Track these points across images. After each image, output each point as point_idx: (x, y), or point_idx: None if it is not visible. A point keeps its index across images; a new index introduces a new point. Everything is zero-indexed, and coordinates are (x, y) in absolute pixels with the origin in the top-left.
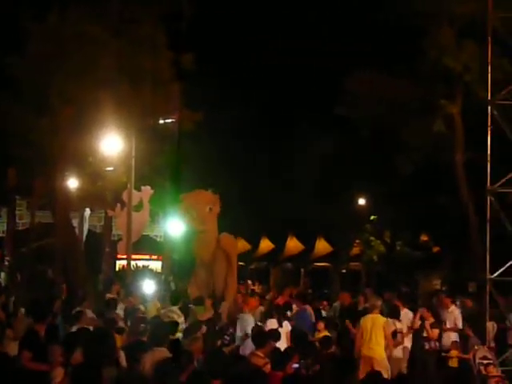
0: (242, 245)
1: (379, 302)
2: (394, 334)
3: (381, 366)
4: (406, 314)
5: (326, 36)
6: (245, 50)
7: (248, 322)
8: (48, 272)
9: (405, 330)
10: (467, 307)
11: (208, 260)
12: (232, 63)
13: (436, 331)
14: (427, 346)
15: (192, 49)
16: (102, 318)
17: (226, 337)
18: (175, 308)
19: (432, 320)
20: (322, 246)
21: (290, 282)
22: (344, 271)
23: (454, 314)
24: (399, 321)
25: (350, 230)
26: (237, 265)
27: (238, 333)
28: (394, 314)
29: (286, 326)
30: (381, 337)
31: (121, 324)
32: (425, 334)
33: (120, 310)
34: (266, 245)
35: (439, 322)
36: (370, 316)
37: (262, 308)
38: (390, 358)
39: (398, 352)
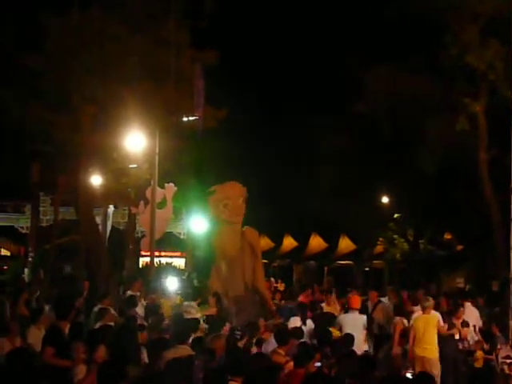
0: (266, 242)
1: (431, 302)
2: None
3: (432, 365)
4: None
5: (347, 32)
6: (266, 47)
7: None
8: (71, 269)
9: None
10: (480, 306)
11: (232, 253)
12: (254, 60)
13: (467, 330)
14: (460, 346)
15: (215, 46)
16: (124, 316)
17: (236, 332)
18: (194, 303)
19: (462, 319)
20: (345, 244)
21: (313, 280)
22: (367, 269)
23: (475, 314)
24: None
25: (373, 228)
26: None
27: None
28: (400, 312)
29: (310, 325)
30: (434, 336)
31: (140, 321)
32: (455, 335)
33: (141, 308)
34: (289, 242)
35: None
36: (422, 315)
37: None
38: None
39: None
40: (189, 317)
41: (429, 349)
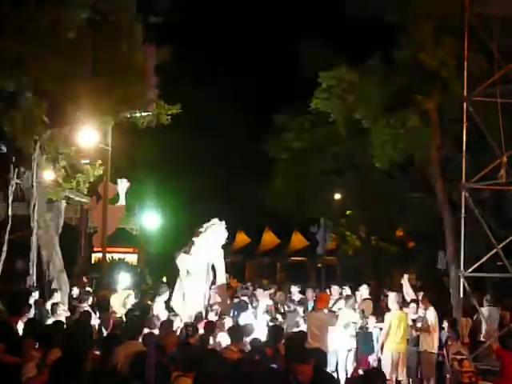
0: None
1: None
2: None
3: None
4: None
5: (304, 28)
6: (222, 43)
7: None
8: (23, 264)
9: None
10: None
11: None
12: (209, 56)
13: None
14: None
15: (169, 41)
16: (74, 311)
17: (188, 328)
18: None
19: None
20: (297, 239)
21: (265, 276)
22: (320, 265)
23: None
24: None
25: (325, 225)
26: None
27: None
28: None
29: (262, 319)
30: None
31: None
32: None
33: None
34: (242, 239)
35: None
36: (397, 312)
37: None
38: None
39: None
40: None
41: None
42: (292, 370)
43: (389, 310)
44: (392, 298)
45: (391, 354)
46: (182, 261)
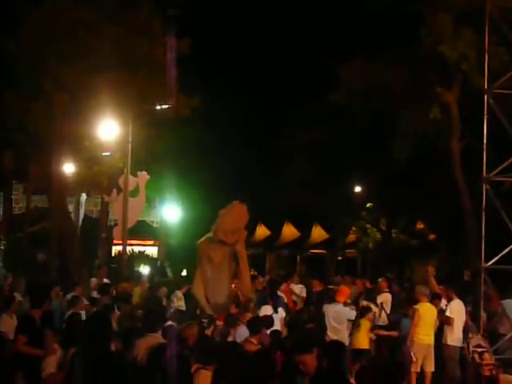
0: None
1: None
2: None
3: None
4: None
5: (322, 23)
6: (240, 36)
7: None
8: (44, 257)
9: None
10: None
11: (219, 259)
12: (228, 49)
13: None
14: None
15: (188, 34)
16: (95, 304)
17: (203, 320)
18: (179, 292)
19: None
20: (317, 232)
21: (285, 269)
22: (340, 258)
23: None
24: (375, 304)
25: (346, 218)
26: None
27: None
28: (369, 296)
29: (281, 313)
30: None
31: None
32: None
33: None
34: (262, 231)
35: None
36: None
37: None
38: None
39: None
40: (172, 305)
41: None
42: (294, 361)
43: (415, 302)
44: (421, 290)
45: (420, 345)
46: (205, 247)
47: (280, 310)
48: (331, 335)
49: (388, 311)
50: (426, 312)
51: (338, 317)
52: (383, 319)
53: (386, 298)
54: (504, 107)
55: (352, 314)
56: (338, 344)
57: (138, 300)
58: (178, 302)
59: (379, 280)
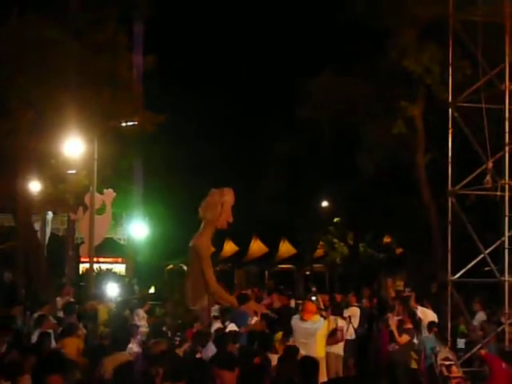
0: None
1: None
2: (335, 331)
3: None
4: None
5: (289, 37)
6: (206, 51)
7: None
8: (10, 276)
9: (345, 328)
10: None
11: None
12: (195, 64)
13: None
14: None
15: (154, 50)
16: (61, 323)
17: (176, 338)
18: (141, 311)
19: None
20: (285, 248)
21: (254, 284)
22: (308, 273)
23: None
24: (343, 318)
25: (313, 232)
26: None
27: None
28: (337, 311)
29: (231, 327)
30: None
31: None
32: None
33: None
34: (230, 247)
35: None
36: None
37: None
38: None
39: (338, 349)
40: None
41: None
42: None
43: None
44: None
45: None
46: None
47: (231, 324)
48: (300, 350)
49: (356, 325)
50: None
51: (306, 333)
52: (350, 333)
53: (354, 311)
54: (468, 120)
55: (320, 324)
56: (310, 360)
57: (105, 317)
58: (141, 321)
59: (349, 294)
